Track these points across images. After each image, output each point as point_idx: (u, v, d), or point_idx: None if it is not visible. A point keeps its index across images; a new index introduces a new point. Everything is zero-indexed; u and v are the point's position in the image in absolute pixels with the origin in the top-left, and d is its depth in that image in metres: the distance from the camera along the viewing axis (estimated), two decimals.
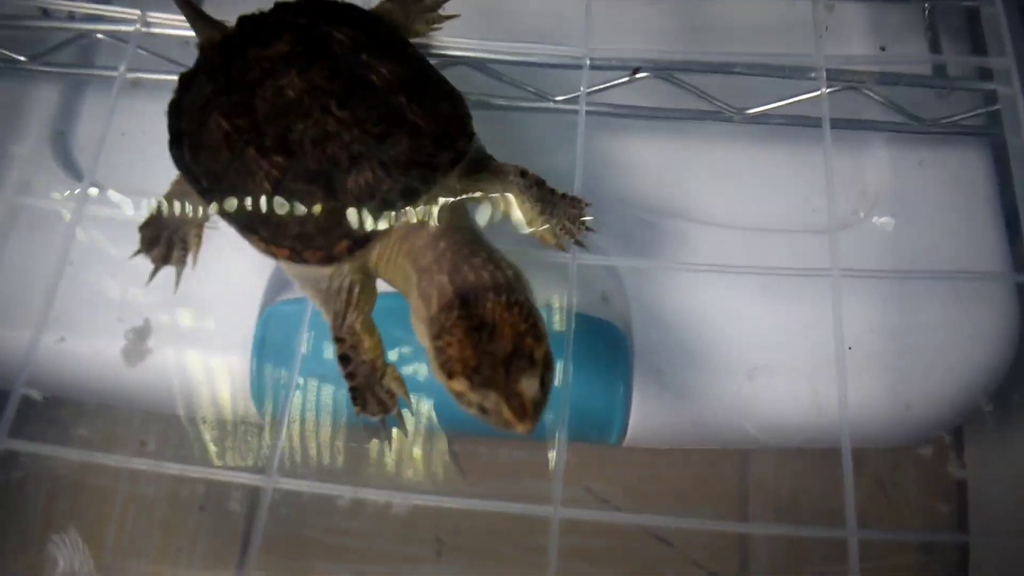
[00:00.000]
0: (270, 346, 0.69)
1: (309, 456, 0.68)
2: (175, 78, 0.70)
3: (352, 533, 0.73)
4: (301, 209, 0.54)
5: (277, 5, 0.64)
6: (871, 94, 0.69)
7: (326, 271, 0.56)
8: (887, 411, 0.65)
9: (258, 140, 0.55)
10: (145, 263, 0.66)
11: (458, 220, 0.56)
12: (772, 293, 0.69)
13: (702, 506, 0.78)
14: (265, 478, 0.58)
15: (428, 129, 0.56)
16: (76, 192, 0.69)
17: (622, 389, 0.68)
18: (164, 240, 0.65)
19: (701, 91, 0.71)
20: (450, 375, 0.49)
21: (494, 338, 0.49)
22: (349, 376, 0.57)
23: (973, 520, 0.71)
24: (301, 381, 0.66)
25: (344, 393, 0.59)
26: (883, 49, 0.78)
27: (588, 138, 0.70)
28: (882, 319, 0.68)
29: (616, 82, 0.71)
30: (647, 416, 0.68)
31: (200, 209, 0.63)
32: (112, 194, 0.70)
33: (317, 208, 0.54)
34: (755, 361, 0.67)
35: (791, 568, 0.70)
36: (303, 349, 0.63)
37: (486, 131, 0.60)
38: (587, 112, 0.68)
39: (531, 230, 0.62)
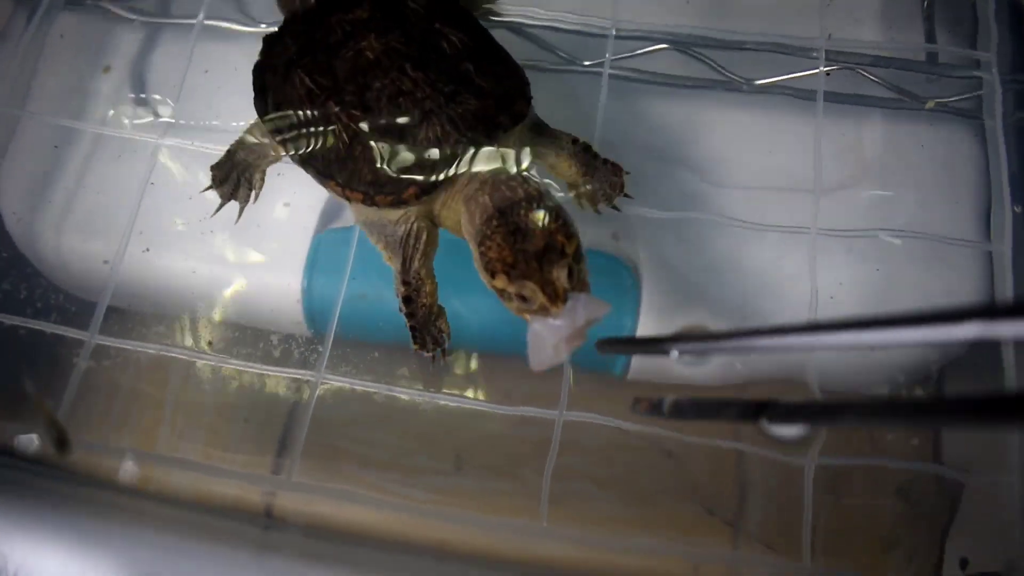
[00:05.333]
0: (320, 267, 0.75)
1: (349, 360, 0.75)
2: (243, 28, 0.79)
3: (378, 444, 0.77)
4: (374, 158, 0.59)
5: None
6: (867, 74, 0.76)
7: (394, 215, 0.61)
8: (851, 355, 0.72)
9: (338, 96, 0.60)
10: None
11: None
12: (765, 245, 0.75)
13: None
14: (315, 374, 0.68)
15: (492, 92, 0.61)
16: (157, 122, 0.78)
17: (629, 325, 0.73)
18: (232, 179, 0.71)
19: (715, 63, 0.78)
20: (492, 273, 0.54)
21: (527, 238, 0.54)
22: (410, 316, 0.64)
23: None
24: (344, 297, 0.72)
25: (378, 308, 0.67)
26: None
27: (611, 98, 0.77)
28: (862, 275, 0.75)
29: (638, 52, 0.78)
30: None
31: (268, 154, 0.69)
32: (188, 124, 0.78)
33: (389, 157, 0.59)
34: (746, 305, 0.74)
35: (782, 506, 0.73)
36: (348, 268, 0.71)
37: None
38: (612, 76, 0.76)
39: (572, 192, 0.68)
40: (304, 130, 0.62)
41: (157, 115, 0.81)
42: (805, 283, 0.70)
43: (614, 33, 0.77)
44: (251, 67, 0.72)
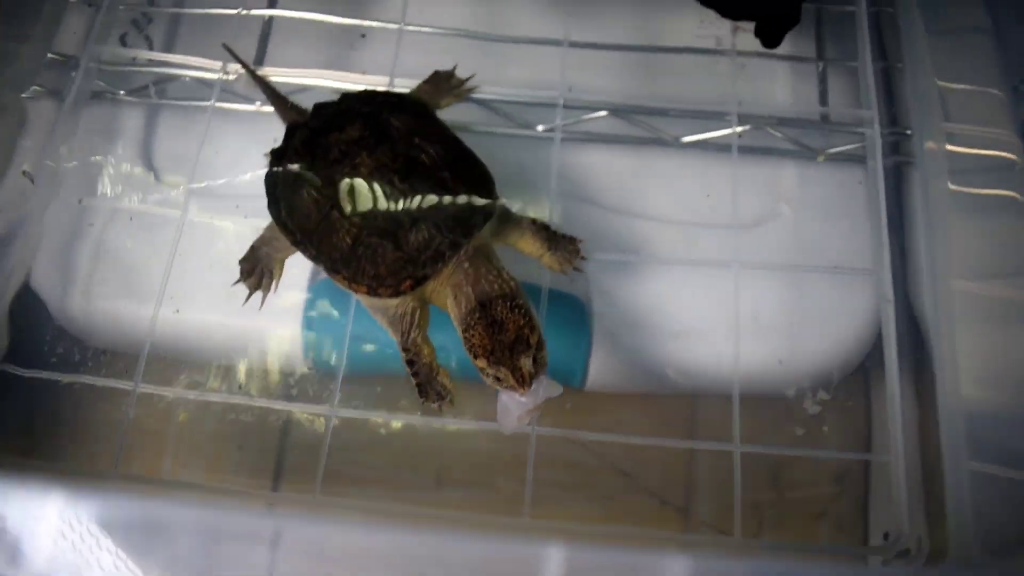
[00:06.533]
0: (319, 314, 0.88)
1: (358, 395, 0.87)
2: (244, 106, 0.93)
3: (366, 465, 0.88)
4: (375, 257, 0.71)
5: (343, 96, 0.82)
6: (772, 131, 0.92)
7: (393, 301, 0.74)
8: (766, 365, 0.87)
9: (340, 206, 0.73)
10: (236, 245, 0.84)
11: (481, 250, 0.73)
12: (698, 275, 0.90)
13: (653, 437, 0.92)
14: (329, 409, 0.81)
15: (466, 197, 0.73)
16: (180, 196, 0.91)
17: (583, 347, 0.88)
18: (257, 271, 0.83)
19: (649, 125, 0.94)
20: (475, 356, 0.68)
21: (503, 331, 0.67)
22: (415, 375, 0.76)
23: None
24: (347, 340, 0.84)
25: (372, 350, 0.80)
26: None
27: (562, 156, 0.92)
28: (780, 296, 0.90)
29: (584, 117, 0.93)
30: (602, 367, 0.88)
31: (287, 249, 0.79)
32: (204, 196, 0.91)
33: (387, 257, 0.71)
34: (680, 327, 0.88)
35: (728, 495, 0.80)
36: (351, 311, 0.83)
37: (483, 152, 0.78)
38: (561, 139, 0.91)
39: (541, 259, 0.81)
40: (314, 234, 0.73)
41: (180, 187, 0.94)
42: (732, 306, 0.85)
43: (562, 103, 0.92)
44: (254, 145, 0.86)
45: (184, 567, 0.57)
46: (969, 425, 0.79)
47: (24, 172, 0.91)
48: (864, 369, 0.90)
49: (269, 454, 0.89)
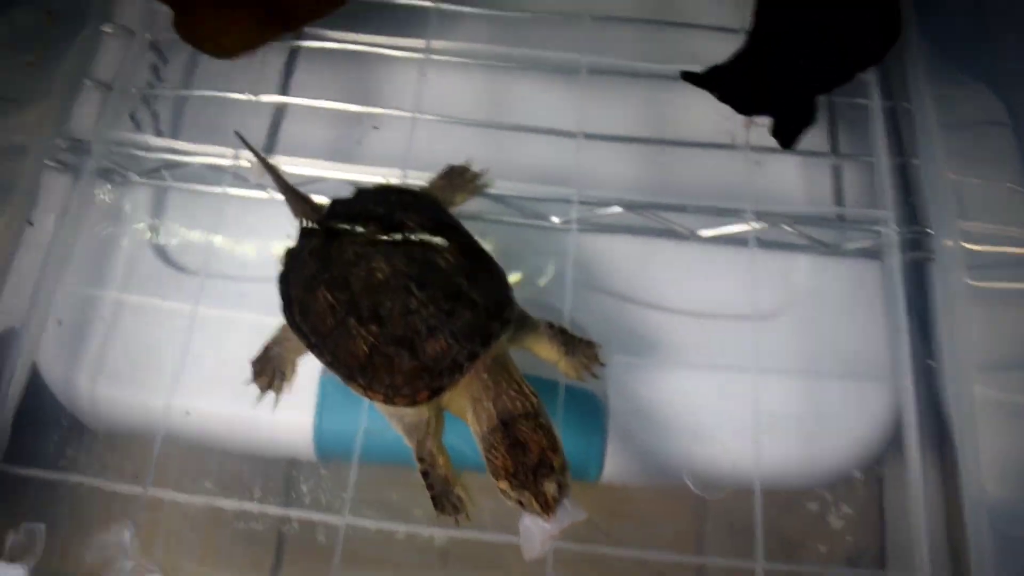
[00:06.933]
0: (332, 410, 0.86)
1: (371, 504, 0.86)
2: (256, 193, 0.92)
3: (366, 540, 0.85)
4: (391, 366, 0.70)
5: (359, 191, 0.82)
6: (786, 227, 0.92)
7: (409, 409, 0.72)
8: (784, 467, 0.86)
9: (356, 312, 0.71)
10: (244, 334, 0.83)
11: (500, 359, 0.72)
12: (715, 374, 0.89)
13: (667, 526, 0.93)
14: (340, 517, 0.79)
15: (483, 304, 0.72)
16: (192, 286, 0.89)
17: (599, 442, 0.87)
18: (269, 371, 0.82)
19: (664, 218, 0.93)
20: (497, 478, 0.66)
21: (526, 452, 0.66)
22: (430, 487, 0.74)
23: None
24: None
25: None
26: None
27: (578, 247, 0.92)
28: (797, 394, 0.89)
29: (600, 211, 0.93)
30: (617, 463, 0.87)
31: (300, 349, 0.78)
32: (217, 287, 0.89)
33: (404, 366, 0.69)
34: (697, 429, 0.87)
35: None
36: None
37: (498, 240, 0.79)
38: (577, 230, 0.91)
39: (558, 365, 0.79)
40: (329, 339, 0.72)
41: (191, 276, 0.93)
42: (748, 404, 0.84)
43: (577, 200, 0.91)
44: (267, 234, 0.85)
45: None
46: (993, 522, 0.78)
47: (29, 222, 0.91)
48: (885, 465, 0.89)
49: (270, 547, 0.89)
